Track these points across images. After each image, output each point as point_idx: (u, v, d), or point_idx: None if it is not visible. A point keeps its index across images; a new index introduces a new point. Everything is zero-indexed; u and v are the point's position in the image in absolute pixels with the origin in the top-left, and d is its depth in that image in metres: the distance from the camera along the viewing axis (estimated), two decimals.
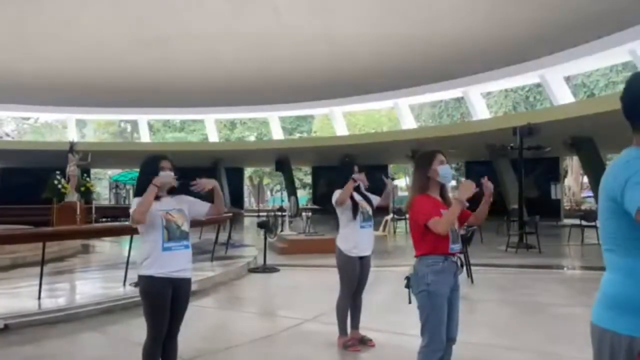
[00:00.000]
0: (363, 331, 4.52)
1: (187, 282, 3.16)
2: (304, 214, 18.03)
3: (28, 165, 24.15)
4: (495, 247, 11.71)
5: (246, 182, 31.26)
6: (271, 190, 45.07)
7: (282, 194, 21.55)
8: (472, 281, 7.42)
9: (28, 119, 42.86)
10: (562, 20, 14.76)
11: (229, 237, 10.32)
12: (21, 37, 18.21)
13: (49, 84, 22.09)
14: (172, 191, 3.27)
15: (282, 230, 12.50)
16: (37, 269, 7.63)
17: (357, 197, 4.41)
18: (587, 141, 15.87)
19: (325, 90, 22.90)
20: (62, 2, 16.39)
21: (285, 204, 14.36)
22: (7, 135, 41.71)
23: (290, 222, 13.44)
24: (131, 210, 3.05)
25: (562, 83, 18.05)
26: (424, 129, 25.38)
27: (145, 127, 28.72)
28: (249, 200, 34.45)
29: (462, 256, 3.15)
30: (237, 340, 4.62)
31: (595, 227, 13.63)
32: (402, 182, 36.29)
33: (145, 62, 20.49)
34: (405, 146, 20.96)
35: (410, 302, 3.06)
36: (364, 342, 4.41)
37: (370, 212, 4.44)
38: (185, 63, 20.56)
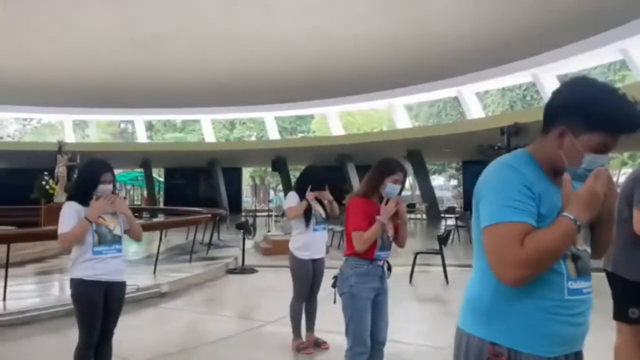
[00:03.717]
0: (321, 333, 4.51)
1: (119, 285, 3.14)
2: None
3: (25, 166, 24.22)
4: None
5: (249, 181, 31.24)
6: (274, 190, 45.00)
7: (276, 193, 21.51)
8: (447, 282, 7.38)
9: (30, 120, 43.04)
10: (554, 19, 14.68)
11: (211, 238, 10.30)
12: (18, 37, 18.26)
13: (46, 85, 22.18)
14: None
15: (269, 231, 12.48)
16: (14, 270, 7.68)
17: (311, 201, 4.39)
18: None
19: (320, 90, 22.89)
20: (57, 2, 16.41)
21: (271, 205, 14.34)
22: (9, 136, 41.92)
23: (277, 222, 13.43)
24: (60, 230, 2.96)
25: (555, 81, 17.95)
26: (417, 129, 25.32)
27: (142, 127, 28.77)
28: (252, 200, 34.55)
29: (389, 260, 3.14)
30: (193, 343, 4.61)
31: None
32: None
33: (141, 63, 20.53)
34: (401, 146, 20.95)
35: (335, 302, 3.09)
36: (318, 345, 4.40)
37: (324, 215, 4.43)
38: (180, 63, 20.60)
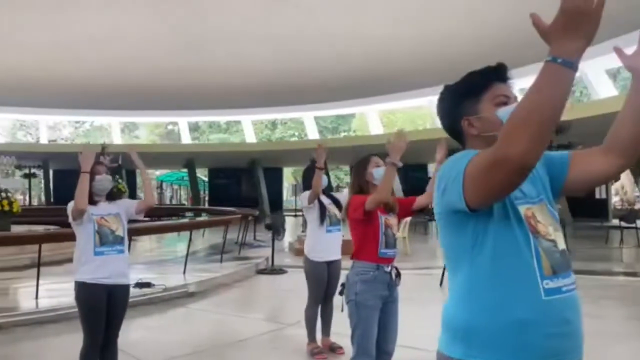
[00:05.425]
0: (339, 338, 4.41)
1: (122, 288, 3.16)
2: None
3: (77, 167, 25.17)
4: None
5: (292, 181, 31.44)
6: None
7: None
8: None
9: (83, 123, 44.77)
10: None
11: (244, 237, 10.36)
12: (71, 46, 18.98)
13: (96, 89, 23.02)
14: (110, 197, 3.27)
15: (303, 231, 12.44)
16: (53, 269, 7.93)
17: (325, 200, 4.32)
18: None
19: (360, 90, 22.75)
20: (106, 10, 16.95)
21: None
22: (62, 138, 43.75)
23: None
24: (69, 210, 3.09)
25: (604, 76, 17.10)
26: None
27: (186, 128, 29.38)
28: (295, 200, 34.84)
29: (397, 266, 3.03)
30: (209, 344, 4.61)
31: (635, 228, 12.90)
32: None
33: (184, 65, 20.94)
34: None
35: (342, 310, 3.01)
36: (333, 350, 4.31)
37: (339, 216, 4.34)
38: (221, 65, 20.88)
